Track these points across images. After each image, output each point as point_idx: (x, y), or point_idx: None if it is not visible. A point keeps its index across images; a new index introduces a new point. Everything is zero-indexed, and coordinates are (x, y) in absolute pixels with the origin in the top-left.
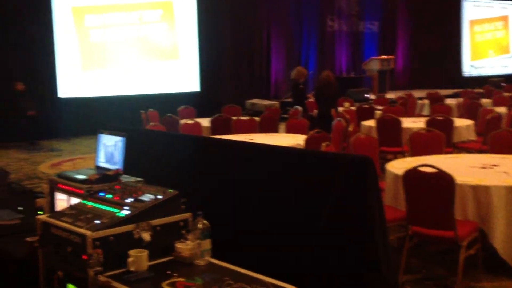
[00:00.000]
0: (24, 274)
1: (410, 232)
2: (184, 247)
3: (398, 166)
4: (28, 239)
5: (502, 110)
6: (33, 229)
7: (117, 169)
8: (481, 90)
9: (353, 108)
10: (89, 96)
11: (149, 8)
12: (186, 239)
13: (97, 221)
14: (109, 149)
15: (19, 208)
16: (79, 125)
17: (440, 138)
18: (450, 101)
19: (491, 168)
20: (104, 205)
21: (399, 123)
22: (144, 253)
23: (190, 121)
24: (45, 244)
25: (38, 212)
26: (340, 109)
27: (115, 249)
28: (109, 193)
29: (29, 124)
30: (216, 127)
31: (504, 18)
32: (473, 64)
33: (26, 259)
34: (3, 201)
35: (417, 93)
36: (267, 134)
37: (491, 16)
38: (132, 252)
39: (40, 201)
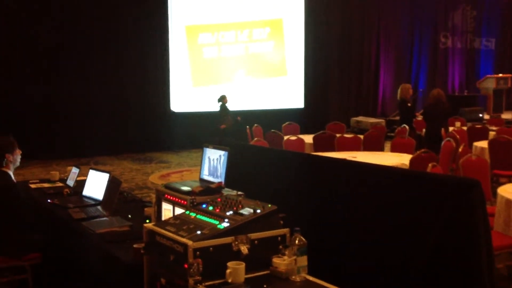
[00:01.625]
0: (130, 278)
1: None
2: (281, 262)
3: (511, 191)
4: (135, 245)
5: None
6: (140, 237)
7: (220, 182)
8: None
9: (464, 128)
10: (199, 111)
11: (259, 27)
12: (283, 254)
13: (198, 232)
14: (213, 162)
15: (129, 216)
16: (187, 138)
17: None
18: None
19: None
20: (206, 216)
21: None
22: (242, 265)
23: (293, 137)
24: (150, 251)
25: (146, 221)
26: (451, 128)
27: (214, 260)
28: (211, 205)
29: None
30: (319, 144)
31: None
32: None
33: (133, 265)
34: (116, 209)
35: None
36: (371, 152)
37: None
38: (230, 264)
39: (148, 210)
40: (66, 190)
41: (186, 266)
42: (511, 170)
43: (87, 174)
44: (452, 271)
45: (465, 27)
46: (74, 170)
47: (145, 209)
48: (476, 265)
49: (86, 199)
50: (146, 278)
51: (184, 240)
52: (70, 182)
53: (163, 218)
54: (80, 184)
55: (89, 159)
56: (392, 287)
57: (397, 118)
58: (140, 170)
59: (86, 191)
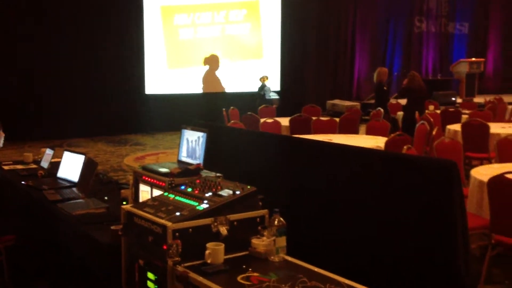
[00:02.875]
0: (108, 260)
1: (493, 241)
2: (260, 243)
3: (483, 172)
4: (113, 227)
5: None
6: (118, 218)
7: (198, 164)
8: None
9: (438, 111)
10: (174, 93)
11: (235, 8)
12: (262, 235)
13: (177, 213)
14: (191, 144)
15: (105, 198)
16: (163, 121)
17: None
18: None
19: None
20: (185, 198)
21: (486, 128)
22: (221, 246)
23: (270, 120)
24: (128, 233)
25: (123, 203)
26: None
27: (193, 241)
28: (190, 187)
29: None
30: (296, 127)
31: None
32: None
33: (110, 246)
34: (91, 191)
35: (507, 98)
36: (346, 135)
37: None
38: (209, 245)
39: (125, 192)
40: (41, 171)
41: (165, 247)
42: (483, 152)
43: (62, 156)
44: (430, 250)
45: (439, 12)
46: (48, 152)
47: (122, 191)
48: (453, 241)
49: (61, 181)
50: (124, 259)
51: (163, 221)
52: (44, 164)
53: (140, 200)
54: (55, 166)
55: (62, 141)
56: (370, 266)
57: (372, 101)
58: (114, 153)
59: (61, 173)
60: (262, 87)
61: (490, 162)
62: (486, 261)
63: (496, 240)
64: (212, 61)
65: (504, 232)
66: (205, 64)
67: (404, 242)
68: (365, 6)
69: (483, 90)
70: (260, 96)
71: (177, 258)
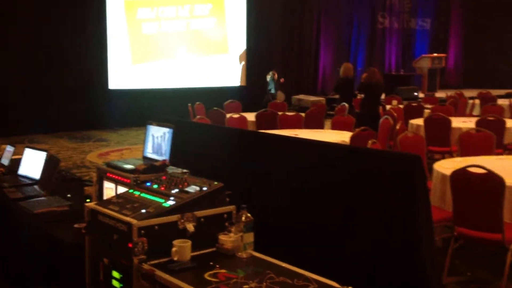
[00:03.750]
0: (72, 259)
1: (456, 233)
2: (227, 239)
3: (446, 166)
4: (76, 225)
5: None
6: (81, 216)
7: (164, 160)
8: None
9: (401, 106)
10: (138, 88)
11: (200, 2)
12: (229, 231)
13: (143, 210)
14: (157, 140)
15: (68, 195)
16: (127, 116)
17: (490, 138)
18: (502, 102)
19: None
20: (150, 195)
21: (448, 122)
22: (188, 243)
23: (236, 115)
24: (92, 231)
25: (86, 200)
26: (388, 107)
27: (160, 239)
28: (156, 183)
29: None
30: (262, 122)
31: None
32: None
33: (74, 245)
34: (54, 188)
35: (468, 93)
36: (312, 130)
37: None
38: (176, 242)
39: (88, 189)
40: (1, 169)
41: (130, 245)
42: (445, 146)
43: (23, 152)
44: (395, 243)
45: (402, 8)
46: (9, 149)
47: (85, 188)
48: (418, 235)
49: (22, 179)
50: (88, 258)
51: (128, 219)
52: (5, 161)
53: (104, 197)
54: (15, 163)
55: (23, 137)
56: (336, 260)
57: (337, 96)
58: (77, 149)
59: (22, 170)
60: (271, 83)
61: (452, 156)
62: (449, 253)
63: (458, 232)
64: None
65: (466, 224)
66: None
67: (370, 235)
68: (329, 1)
69: (445, 85)
70: (268, 92)
71: (142, 256)
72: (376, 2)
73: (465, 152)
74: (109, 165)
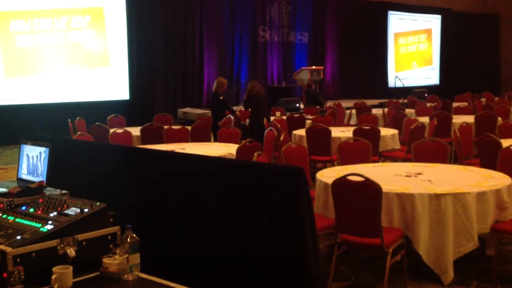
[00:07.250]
0: None
1: (339, 239)
2: (112, 262)
3: (327, 175)
4: None
5: (425, 120)
6: None
7: (41, 182)
8: (405, 101)
9: (284, 117)
10: (13, 104)
11: (78, 14)
12: (114, 253)
13: (18, 237)
14: (33, 160)
15: None
16: (2, 134)
17: (367, 147)
18: (376, 111)
19: (415, 176)
20: (26, 219)
21: (328, 132)
22: (69, 269)
23: (120, 130)
24: None
25: None
26: (272, 118)
27: (38, 266)
28: (32, 207)
29: None
30: (147, 136)
31: (428, 31)
32: (398, 75)
33: None
34: None
35: (345, 103)
36: (199, 143)
37: (415, 29)
38: (56, 269)
39: None
40: None
41: (5, 275)
42: (326, 155)
43: None
44: (282, 253)
45: (281, 22)
46: None
47: None
48: (303, 246)
49: None
50: None
51: (1, 247)
52: None
53: None
54: None
55: None
56: (224, 276)
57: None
58: None
59: None
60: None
61: (333, 165)
62: (333, 259)
63: (341, 239)
64: None
65: (348, 231)
66: None
67: (256, 248)
68: (211, 14)
69: (324, 96)
70: None
71: (19, 286)
72: (256, 16)
73: (344, 160)
74: None
